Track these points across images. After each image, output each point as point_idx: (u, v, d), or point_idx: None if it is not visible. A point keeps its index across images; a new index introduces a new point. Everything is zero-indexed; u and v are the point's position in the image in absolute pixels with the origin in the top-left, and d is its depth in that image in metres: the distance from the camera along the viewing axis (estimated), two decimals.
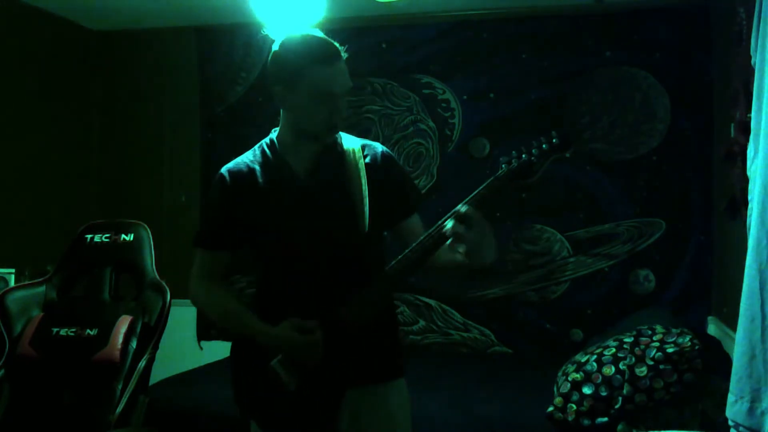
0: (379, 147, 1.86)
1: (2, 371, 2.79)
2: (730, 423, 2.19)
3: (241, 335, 1.84)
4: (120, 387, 2.71)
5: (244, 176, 1.80)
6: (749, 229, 2.18)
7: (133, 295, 2.98)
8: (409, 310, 3.98)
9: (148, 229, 3.07)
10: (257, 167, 1.81)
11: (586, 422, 2.53)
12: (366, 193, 1.75)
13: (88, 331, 2.81)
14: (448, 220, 1.57)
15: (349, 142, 1.85)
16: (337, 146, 1.82)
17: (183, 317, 4.14)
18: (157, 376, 2.98)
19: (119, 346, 2.74)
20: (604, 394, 2.54)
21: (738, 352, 2.21)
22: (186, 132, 4.41)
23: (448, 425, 2.70)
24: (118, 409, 2.64)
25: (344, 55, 1.73)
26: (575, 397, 2.58)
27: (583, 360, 2.71)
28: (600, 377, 2.58)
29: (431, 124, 4.02)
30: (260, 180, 1.79)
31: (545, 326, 3.88)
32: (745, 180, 2.44)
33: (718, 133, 3.59)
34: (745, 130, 2.55)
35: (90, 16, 4.21)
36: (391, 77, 4.06)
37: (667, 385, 2.46)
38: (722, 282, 3.51)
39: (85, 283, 3.05)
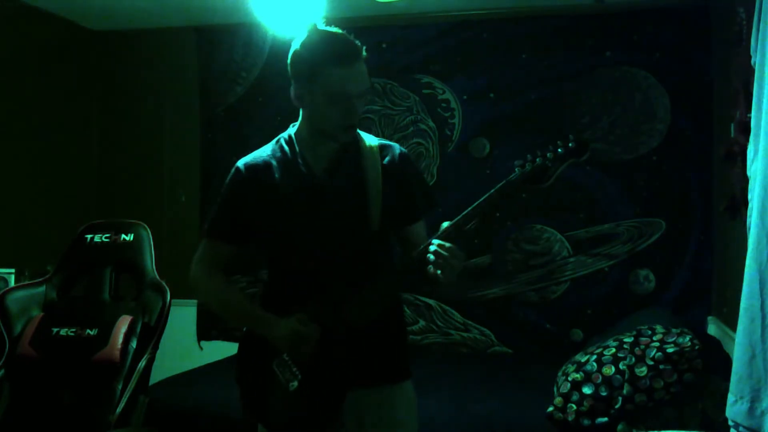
0: (397, 148, 1.85)
1: (2, 371, 2.79)
2: (730, 423, 2.19)
3: (240, 324, 1.85)
4: (120, 387, 2.71)
5: (259, 170, 1.81)
6: (749, 229, 2.18)
7: (133, 295, 2.98)
8: (409, 310, 3.97)
9: (148, 229, 3.06)
10: (274, 162, 1.81)
11: (586, 422, 2.53)
12: (380, 193, 1.75)
13: (88, 331, 2.81)
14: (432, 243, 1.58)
15: (368, 141, 1.83)
16: (356, 145, 1.81)
17: (183, 317, 4.16)
18: (157, 376, 2.98)
19: (119, 346, 2.74)
20: (604, 394, 2.54)
21: (738, 352, 2.21)
22: (186, 132, 4.40)
23: (448, 425, 2.70)
24: (118, 409, 2.64)
25: (364, 54, 1.70)
26: (575, 397, 2.58)
27: (583, 360, 2.71)
28: (600, 377, 2.58)
29: (431, 124, 4.02)
30: (275, 175, 1.79)
31: (545, 326, 3.88)
32: (745, 180, 2.44)
33: (718, 133, 3.59)
34: (745, 130, 2.55)
35: (90, 16, 4.21)
36: (391, 77, 4.06)
37: (667, 385, 2.46)
38: (722, 282, 3.51)
39: (85, 283, 3.05)
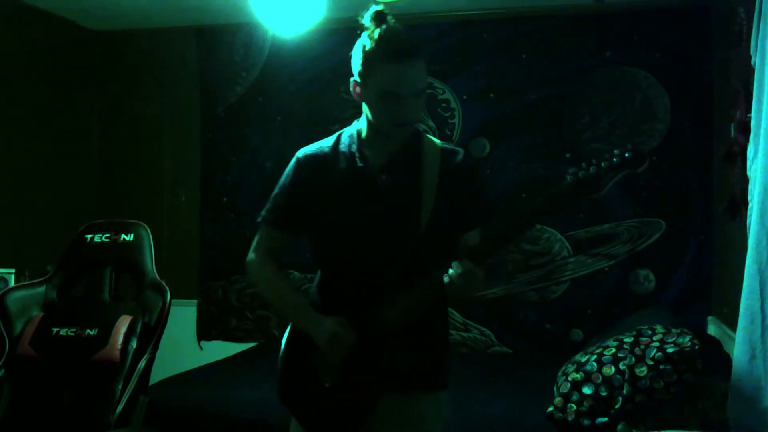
0: (461, 156, 1.82)
1: (2, 371, 2.79)
2: (730, 423, 2.19)
3: (284, 315, 1.85)
4: (120, 387, 2.71)
5: (317, 161, 1.82)
6: (749, 229, 2.18)
7: (133, 295, 2.98)
8: None
9: (148, 229, 3.06)
10: (334, 154, 1.82)
11: (586, 422, 2.53)
12: (434, 196, 1.73)
13: (88, 331, 2.81)
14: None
15: (432, 144, 1.82)
16: (418, 146, 1.79)
17: (183, 317, 4.16)
18: (157, 376, 2.98)
19: (119, 346, 2.74)
20: (604, 394, 2.54)
21: (738, 352, 2.21)
22: (186, 132, 4.41)
23: (448, 425, 2.68)
24: (118, 409, 2.63)
25: (419, 54, 1.66)
26: (575, 397, 2.58)
27: (583, 360, 2.71)
28: (600, 377, 2.58)
29: (431, 123, 4.02)
30: (333, 168, 1.80)
31: (545, 326, 3.88)
32: (745, 180, 2.45)
33: (718, 133, 3.59)
34: (745, 130, 2.55)
35: (90, 16, 4.21)
36: None
37: (667, 385, 2.46)
38: (722, 282, 3.51)
39: (85, 283, 3.05)
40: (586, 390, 2.57)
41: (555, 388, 2.74)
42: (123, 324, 2.80)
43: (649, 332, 2.67)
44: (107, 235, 3.04)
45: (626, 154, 1.52)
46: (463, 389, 3.06)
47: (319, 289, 1.86)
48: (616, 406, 2.50)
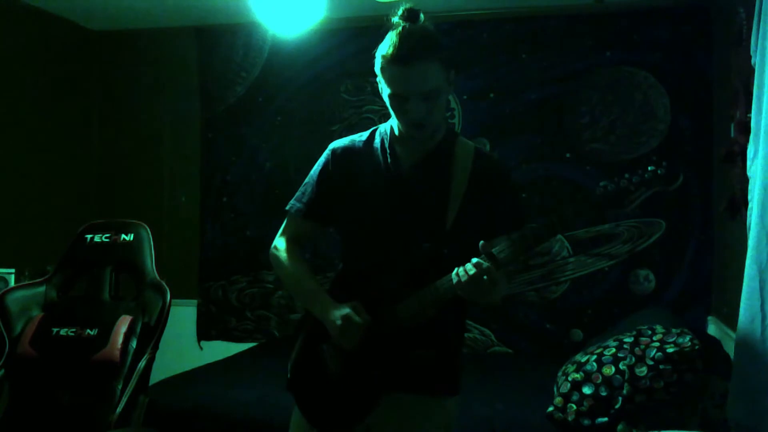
0: (493, 158, 1.82)
1: (2, 371, 2.79)
2: (730, 423, 2.19)
3: (302, 301, 1.87)
4: (120, 387, 2.71)
5: (349, 155, 1.82)
6: (749, 229, 2.18)
7: (133, 295, 2.98)
8: None
9: (148, 229, 3.06)
10: (365, 149, 1.82)
11: (586, 422, 2.53)
12: (461, 198, 1.72)
13: (88, 331, 2.81)
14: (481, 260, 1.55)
15: (465, 146, 1.81)
16: (450, 147, 1.78)
17: (183, 317, 4.16)
18: (157, 376, 2.98)
19: (119, 346, 2.74)
20: (604, 394, 2.54)
21: (738, 352, 2.21)
22: (186, 132, 4.41)
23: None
24: (118, 409, 2.64)
25: (427, 55, 1.63)
26: (575, 397, 2.58)
27: (583, 360, 2.71)
28: (600, 377, 2.58)
29: None
30: (364, 163, 1.80)
31: (545, 326, 3.88)
32: (745, 180, 2.44)
33: (718, 133, 3.59)
34: (745, 130, 2.55)
35: (90, 16, 4.21)
36: None
37: (667, 385, 2.46)
38: (722, 282, 3.51)
39: (85, 283, 3.05)
40: (586, 390, 2.57)
41: (555, 388, 2.74)
42: (123, 324, 2.80)
43: (649, 332, 2.67)
44: (107, 235, 3.04)
45: (659, 171, 1.51)
46: (463, 389, 3.06)
47: (339, 282, 1.86)
48: (616, 406, 2.50)
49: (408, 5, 1.68)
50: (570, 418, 2.56)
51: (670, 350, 2.50)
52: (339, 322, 1.67)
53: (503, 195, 1.78)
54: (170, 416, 2.86)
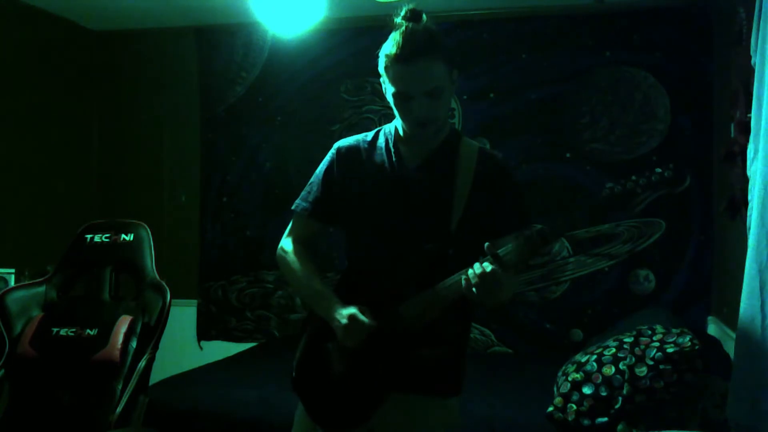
0: (497, 157, 1.81)
1: (2, 371, 2.79)
2: (730, 423, 2.19)
3: (307, 301, 1.87)
4: (120, 387, 2.71)
5: (353, 154, 1.83)
6: (749, 229, 2.18)
7: (133, 295, 2.98)
8: None
9: (148, 229, 3.06)
10: (370, 149, 1.83)
11: (586, 422, 2.53)
12: (465, 197, 1.72)
13: (88, 331, 2.80)
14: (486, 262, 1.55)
15: (470, 145, 1.82)
16: (454, 147, 1.80)
17: (183, 317, 4.16)
18: (157, 376, 2.98)
19: (119, 346, 2.74)
20: (604, 394, 2.54)
21: (738, 352, 2.21)
22: (186, 132, 4.41)
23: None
24: (118, 409, 2.63)
25: (429, 53, 1.65)
26: (575, 397, 2.58)
27: (583, 360, 2.71)
28: (600, 377, 2.58)
29: None
30: (369, 162, 1.81)
31: (545, 326, 3.88)
32: (745, 180, 2.44)
33: (718, 133, 3.59)
34: (745, 130, 2.55)
35: (90, 16, 4.21)
36: None
37: (667, 385, 2.46)
38: (722, 282, 3.51)
39: (85, 283, 3.04)
40: (586, 390, 2.57)
41: (555, 388, 2.74)
42: (123, 324, 2.79)
43: (649, 332, 2.67)
44: (107, 235, 3.04)
45: (666, 173, 1.51)
46: (463, 389, 3.07)
47: (344, 282, 1.86)
48: (616, 406, 2.50)
49: (411, 6, 1.69)
50: (570, 418, 2.56)
51: (670, 350, 2.50)
52: (345, 321, 1.67)
53: (508, 194, 1.78)
54: (170, 416, 2.86)
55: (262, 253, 4.19)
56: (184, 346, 4.22)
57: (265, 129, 4.27)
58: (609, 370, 2.58)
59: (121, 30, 4.41)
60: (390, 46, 1.66)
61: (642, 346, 2.58)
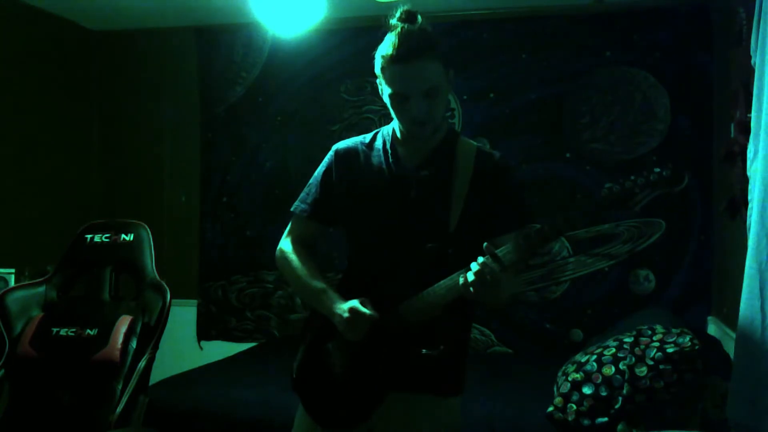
0: (495, 157, 1.81)
1: (2, 371, 2.79)
2: (730, 423, 2.19)
3: (308, 300, 1.87)
4: (120, 387, 2.71)
5: (351, 156, 1.84)
6: (749, 229, 2.18)
7: (133, 295, 2.98)
8: None
9: (148, 229, 3.06)
10: (368, 150, 1.83)
11: (586, 422, 2.53)
12: (464, 197, 1.72)
13: (88, 331, 2.80)
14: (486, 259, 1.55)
15: (467, 145, 1.81)
16: (452, 147, 1.79)
17: (183, 317, 4.16)
18: (157, 376, 2.98)
19: (119, 346, 2.74)
20: (604, 394, 2.54)
21: (738, 352, 2.21)
22: (186, 132, 4.41)
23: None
24: (118, 409, 2.63)
25: (426, 53, 1.65)
26: (575, 397, 2.58)
27: (583, 360, 2.71)
28: (600, 377, 2.58)
29: None
30: (366, 163, 1.81)
31: (545, 326, 3.88)
32: (745, 180, 2.44)
33: (718, 133, 3.59)
34: (745, 130, 2.55)
35: (90, 16, 4.21)
36: None
37: (667, 385, 2.46)
38: (722, 282, 3.51)
39: (85, 283, 3.05)
40: (586, 390, 2.57)
41: (555, 388, 2.74)
42: (123, 324, 2.80)
43: (649, 332, 2.67)
44: (107, 235, 3.04)
45: (664, 173, 1.51)
46: (464, 391, 3.07)
47: (344, 282, 1.86)
48: (616, 406, 2.50)
49: (406, 7, 1.70)
50: (570, 418, 2.56)
51: (670, 350, 2.50)
52: (346, 314, 1.67)
53: (506, 193, 1.79)
54: (170, 416, 2.86)
55: (262, 253, 4.19)
56: (184, 346, 4.22)
57: (265, 129, 4.27)
58: (609, 370, 2.58)
59: (121, 30, 4.41)
60: (386, 47, 1.67)
61: (642, 346, 2.59)
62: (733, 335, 2.51)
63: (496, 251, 1.55)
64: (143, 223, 3.09)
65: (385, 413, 1.73)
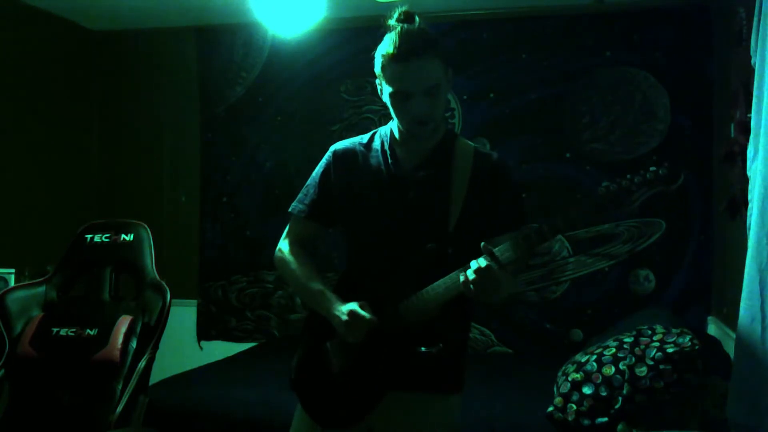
0: (492, 157, 1.81)
1: (2, 371, 2.79)
2: (730, 423, 2.19)
3: (307, 301, 1.87)
4: (120, 387, 2.71)
5: (349, 157, 1.84)
6: (749, 229, 2.18)
7: (133, 295, 2.98)
8: None
9: (148, 229, 3.06)
10: (366, 151, 1.83)
11: (586, 422, 2.53)
12: (462, 198, 1.73)
13: (88, 331, 2.80)
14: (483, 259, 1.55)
15: (465, 146, 1.82)
16: (450, 148, 1.80)
17: (183, 317, 4.16)
18: (157, 376, 2.98)
19: (119, 346, 2.74)
20: (604, 394, 2.54)
21: (738, 352, 2.21)
22: (186, 132, 4.41)
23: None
24: (118, 409, 2.63)
25: (427, 51, 1.65)
26: (575, 397, 2.58)
27: (583, 360, 2.71)
28: (600, 377, 2.58)
29: None
30: (364, 164, 1.81)
31: (545, 326, 3.88)
32: (745, 180, 2.44)
33: (718, 133, 3.59)
34: (745, 130, 2.55)
35: (90, 16, 4.21)
36: None
37: (667, 385, 2.46)
38: (722, 282, 3.51)
39: (85, 283, 3.05)
40: (586, 390, 2.57)
41: (555, 388, 2.74)
42: (123, 324, 2.80)
43: (649, 332, 2.67)
44: (107, 235, 3.04)
45: (660, 171, 1.52)
46: (463, 389, 3.07)
47: (343, 282, 1.86)
48: (616, 406, 2.50)
49: (404, 8, 1.70)
50: (570, 418, 2.56)
51: (670, 350, 2.50)
52: (345, 317, 1.67)
53: (504, 193, 1.79)
54: (170, 416, 2.86)
55: (262, 253, 4.19)
56: (184, 346, 4.22)
57: (265, 129, 4.27)
58: (609, 370, 2.58)
59: (121, 30, 4.40)
60: (386, 45, 1.67)
61: (642, 346, 2.59)
62: (733, 335, 2.51)
63: (494, 250, 1.55)
64: (143, 223, 3.09)
65: (384, 412, 1.73)
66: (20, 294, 2.93)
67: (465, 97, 4.00)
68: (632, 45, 3.80)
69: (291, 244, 1.89)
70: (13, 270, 3.54)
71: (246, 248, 4.28)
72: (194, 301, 4.34)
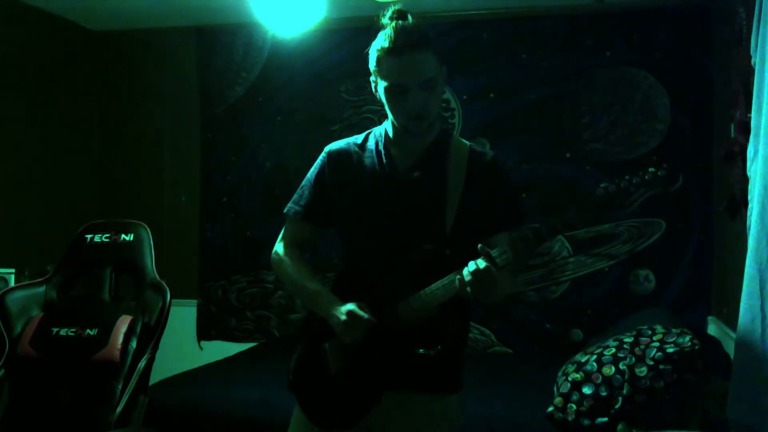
0: (488, 155, 1.81)
1: (2, 371, 2.79)
2: (730, 423, 2.20)
3: (305, 302, 1.88)
4: (120, 387, 2.71)
5: (344, 157, 1.83)
6: (749, 229, 2.18)
7: (133, 295, 2.98)
8: None
9: (148, 229, 3.06)
10: (361, 152, 1.83)
11: (586, 422, 2.53)
12: (459, 197, 1.72)
13: (88, 331, 2.81)
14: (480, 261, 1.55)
15: (460, 145, 1.81)
16: (445, 146, 1.79)
17: (183, 317, 4.16)
18: (157, 376, 2.98)
19: (119, 346, 2.74)
20: (604, 394, 2.54)
21: (738, 352, 2.21)
22: (186, 132, 4.41)
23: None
24: (118, 409, 2.64)
25: (423, 45, 1.66)
26: (575, 397, 2.58)
27: (583, 360, 2.71)
28: (600, 377, 2.58)
29: None
30: (358, 165, 1.81)
31: (545, 326, 3.88)
32: (745, 180, 2.45)
33: (718, 133, 3.59)
34: (745, 130, 2.55)
35: (90, 16, 4.21)
36: None
37: (667, 385, 2.46)
38: (722, 282, 3.51)
39: (85, 283, 3.05)
40: (586, 390, 2.57)
41: (555, 388, 2.74)
42: (123, 324, 2.80)
43: (649, 332, 2.67)
44: (107, 235, 3.04)
45: (659, 172, 1.52)
46: (463, 389, 3.07)
47: (340, 282, 1.86)
48: (616, 406, 2.50)
49: (396, 7, 1.71)
50: (570, 418, 2.56)
51: (670, 350, 2.50)
52: (344, 317, 1.67)
53: (500, 192, 1.79)
54: (170, 416, 2.86)
55: (262, 253, 4.18)
56: (184, 346, 4.22)
57: (265, 129, 4.27)
58: (609, 370, 2.58)
59: (121, 30, 4.40)
60: (382, 40, 1.67)
61: (642, 346, 2.59)
62: (733, 335, 2.51)
63: (491, 252, 1.55)
64: (143, 223, 3.09)
65: (384, 412, 1.73)
66: (20, 294, 2.94)
67: (465, 97, 4.00)
68: (632, 45, 3.80)
69: (287, 246, 1.89)
70: (13, 270, 3.54)
71: (246, 248, 4.28)
72: (194, 301, 4.34)
